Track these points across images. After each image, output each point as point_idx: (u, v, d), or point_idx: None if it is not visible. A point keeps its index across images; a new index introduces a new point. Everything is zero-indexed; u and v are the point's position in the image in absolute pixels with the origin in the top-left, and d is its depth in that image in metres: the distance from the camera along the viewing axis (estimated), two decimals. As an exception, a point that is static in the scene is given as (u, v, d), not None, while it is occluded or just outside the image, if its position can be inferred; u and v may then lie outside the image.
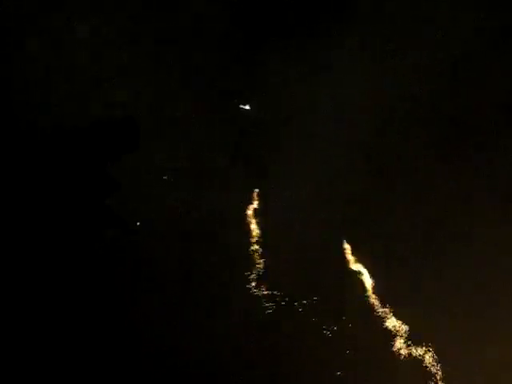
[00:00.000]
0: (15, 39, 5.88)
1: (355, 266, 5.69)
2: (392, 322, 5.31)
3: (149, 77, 6.03)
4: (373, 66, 6.18)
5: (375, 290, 5.53)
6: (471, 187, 5.83)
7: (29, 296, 5.04)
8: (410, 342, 5.20)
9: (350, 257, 5.75)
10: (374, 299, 5.47)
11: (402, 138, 6.06)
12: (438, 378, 5.00)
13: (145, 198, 5.69)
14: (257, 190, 6.08)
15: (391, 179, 5.97)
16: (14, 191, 5.19)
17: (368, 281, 5.58)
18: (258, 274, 5.58)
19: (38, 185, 5.22)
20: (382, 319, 5.34)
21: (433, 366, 5.06)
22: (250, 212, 5.98)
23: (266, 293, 5.45)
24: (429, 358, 5.09)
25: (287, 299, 5.42)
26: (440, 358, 5.08)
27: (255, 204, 5.99)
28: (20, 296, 5.02)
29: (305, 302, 5.40)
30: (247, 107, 6.02)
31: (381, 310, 5.39)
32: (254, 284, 5.51)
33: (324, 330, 5.24)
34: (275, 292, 5.46)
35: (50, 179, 5.25)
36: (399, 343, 5.19)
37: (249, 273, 5.58)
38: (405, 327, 5.28)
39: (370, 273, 5.63)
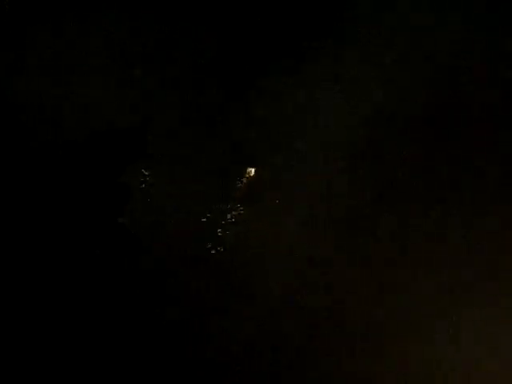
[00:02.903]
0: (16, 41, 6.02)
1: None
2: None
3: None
4: (370, 77, 6.24)
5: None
6: (469, 193, 5.93)
7: (30, 301, 5.23)
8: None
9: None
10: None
11: (399, 147, 6.14)
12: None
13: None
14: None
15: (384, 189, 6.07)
16: (19, 199, 5.35)
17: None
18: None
19: (40, 195, 5.37)
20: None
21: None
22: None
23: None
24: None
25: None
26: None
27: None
28: (21, 302, 5.21)
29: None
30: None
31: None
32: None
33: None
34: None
35: (53, 190, 5.40)
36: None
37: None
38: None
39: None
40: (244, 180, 6.02)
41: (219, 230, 5.84)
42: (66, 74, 6.02)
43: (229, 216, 5.91)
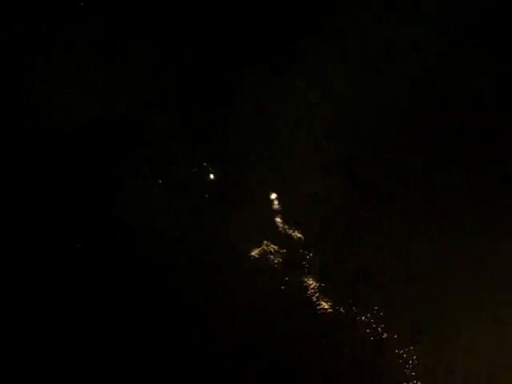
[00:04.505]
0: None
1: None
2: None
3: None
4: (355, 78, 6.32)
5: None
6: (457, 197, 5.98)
7: (29, 298, 5.16)
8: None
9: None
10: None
11: (386, 149, 6.20)
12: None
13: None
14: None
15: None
16: (17, 195, 5.31)
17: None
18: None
19: (38, 188, 5.34)
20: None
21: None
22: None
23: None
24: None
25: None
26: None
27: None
28: (21, 299, 5.15)
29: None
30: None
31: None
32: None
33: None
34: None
35: (51, 183, 5.37)
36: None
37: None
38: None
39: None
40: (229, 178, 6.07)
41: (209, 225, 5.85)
42: (64, 70, 6.08)
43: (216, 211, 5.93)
